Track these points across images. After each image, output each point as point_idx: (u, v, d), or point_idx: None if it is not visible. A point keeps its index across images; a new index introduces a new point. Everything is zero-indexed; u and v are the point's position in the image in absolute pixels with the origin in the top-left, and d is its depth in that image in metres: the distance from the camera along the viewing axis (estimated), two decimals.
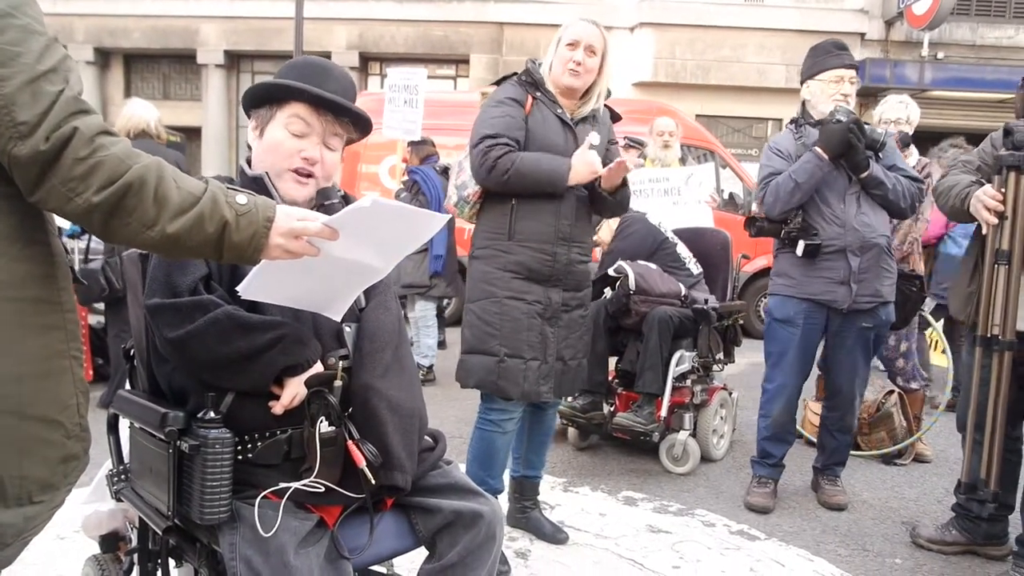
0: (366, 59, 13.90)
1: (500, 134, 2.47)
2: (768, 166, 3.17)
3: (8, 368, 1.05)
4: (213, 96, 14.03)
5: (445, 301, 5.84)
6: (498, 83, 2.69)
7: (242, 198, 1.17)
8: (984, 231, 2.53)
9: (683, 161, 5.57)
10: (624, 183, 2.60)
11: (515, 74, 2.68)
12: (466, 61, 13.60)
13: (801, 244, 3.04)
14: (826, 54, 3.13)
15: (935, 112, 11.61)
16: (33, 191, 1.03)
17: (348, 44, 13.53)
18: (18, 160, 1.00)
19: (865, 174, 3.02)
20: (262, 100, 1.57)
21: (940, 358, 5.84)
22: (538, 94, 2.58)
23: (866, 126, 3.02)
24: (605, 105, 2.70)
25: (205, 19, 13.61)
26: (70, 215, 1.06)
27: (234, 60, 14.20)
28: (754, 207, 3.36)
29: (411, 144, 5.73)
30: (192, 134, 13.51)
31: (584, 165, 2.46)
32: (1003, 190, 2.45)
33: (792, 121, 3.28)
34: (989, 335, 2.48)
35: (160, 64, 14.66)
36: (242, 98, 1.62)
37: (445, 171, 5.34)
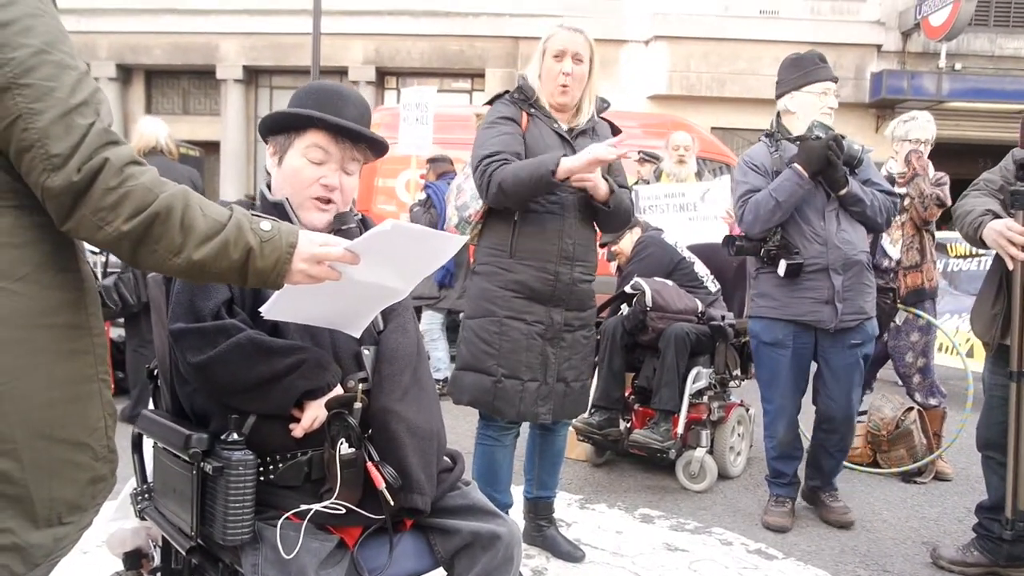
0: (383, 74, 14.04)
1: (499, 151, 2.45)
2: (745, 182, 3.11)
3: (40, 393, 1.08)
4: (232, 111, 14.22)
5: (462, 315, 5.85)
6: (490, 102, 2.67)
7: (266, 224, 1.19)
8: (1011, 266, 2.50)
9: (699, 175, 5.57)
10: (613, 190, 2.53)
11: (506, 92, 2.66)
12: (482, 75, 13.69)
13: (783, 264, 2.99)
14: (813, 66, 3.09)
15: (953, 124, 11.55)
16: (65, 220, 1.06)
17: (365, 59, 13.68)
18: (51, 191, 1.03)
19: (844, 191, 2.99)
20: (280, 127, 1.59)
21: (950, 358, 5.79)
22: (532, 110, 2.56)
23: (844, 141, 2.98)
24: (604, 118, 2.69)
25: (224, 35, 13.82)
26: (100, 243, 1.09)
27: (252, 75, 14.39)
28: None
29: (429, 160, 5.79)
30: (211, 148, 13.69)
31: (585, 152, 2.38)
32: None
33: (767, 135, 3.21)
34: (1022, 370, 2.46)
35: (180, 80, 14.89)
36: (259, 124, 1.65)
37: None
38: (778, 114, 3.19)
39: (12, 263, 1.06)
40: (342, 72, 13.74)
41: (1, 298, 1.04)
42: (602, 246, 4.02)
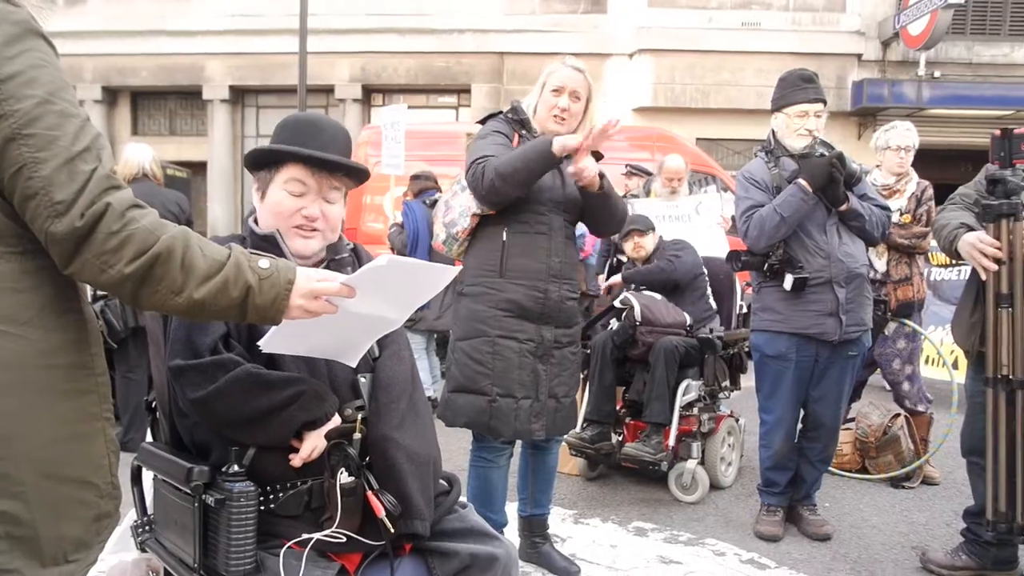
0: (369, 91, 14.08)
1: (492, 154, 2.49)
2: (748, 198, 3.16)
3: (45, 433, 1.11)
4: (219, 131, 14.22)
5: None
6: (483, 121, 2.73)
7: (264, 262, 1.23)
8: (984, 277, 2.57)
9: (689, 187, 5.64)
10: (602, 185, 2.57)
11: (500, 112, 2.72)
12: (468, 91, 13.76)
13: (789, 278, 3.04)
14: (792, 87, 3.12)
15: (934, 130, 11.68)
16: (68, 264, 1.09)
17: (351, 77, 13.72)
18: (55, 236, 1.06)
19: (845, 207, 3.06)
20: (260, 163, 1.63)
21: (937, 371, 5.87)
22: (524, 132, 2.62)
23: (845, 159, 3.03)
24: None
25: (210, 56, 13.84)
26: (103, 285, 1.12)
27: (239, 95, 14.41)
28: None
29: (412, 178, 5.80)
30: (198, 169, 13.69)
31: (583, 136, 2.41)
32: (997, 237, 2.50)
33: (765, 151, 3.24)
34: (999, 376, 2.53)
35: (167, 101, 14.88)
36: (244, 161, 1.69)
37: (434, 204, 5.39)
38: (772, 130, 3.23)
39: (16, 307, 1.08)
40: (328, 91, 13.78)
41: (6, 342, 1.06)
42: (624, 236, 4.09)
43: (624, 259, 4.75)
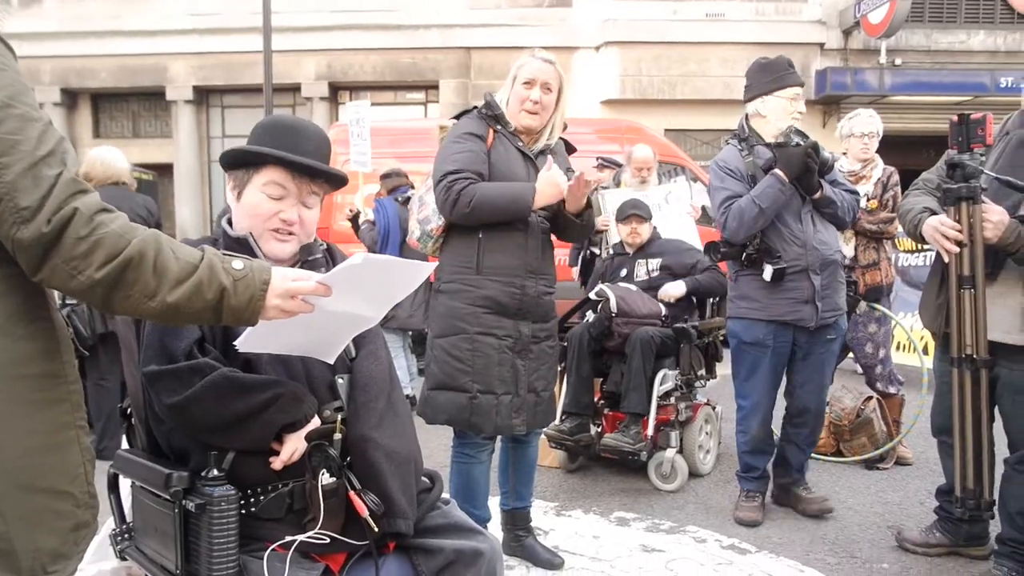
0: (336, 89, 13.96)
1: (462, 169, 2.49)
2: (724, 188, 3.17)
3: (17, 444, 1.08)
4: (184, 133, 14.00)
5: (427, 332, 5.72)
6: (458, 117, 2.71)
7: (238, 263, 1.21)
8: (946, 259, 2.63)
9: (659, 178, 5.67)
10: (588, 204, 2.62)
11: (475, 108, 2.71)
12: (435, 87, 13.70)
13: (768, 268, 3.07)
14: (784, 71, 3.15)
15: (896, 116, 11.91)
16: (36, 271, 1.07)
17: (317, 75, 13.59)
18: (21, 243, 1.04)
19: (819, 195, 3.10)
20: (238, 163, 1.61)
21: (908, 357, 5.99)
22: (499, 127, 2.62)
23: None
24: (562, 137, 2.76)
25: (173, 56, 13.60)
26: (73, 292, 1.10)
27: (203, 95, 14.19)
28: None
29: (382, 176, 5.76)
30: (164, 171, 13.46)
31: (550, 185, 2.48)
32: (958, 220, 2.55)
33: (739, 139, 3.23)
34: (964, 355, 2.58)
35: (129, 102, 14.60)
36: (220, 158, 1.67)
37: (406, 201, 5.38)
38: (747, 116, 3.23)
39: None
40: (295, 89, 13.63)
41: None
42: (624, 219, 4.12)
43: (597, 251, 4.77)
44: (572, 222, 2.61)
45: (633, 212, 4.09)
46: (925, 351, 5.27)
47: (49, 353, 1.15)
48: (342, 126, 8.67)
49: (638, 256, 4.15)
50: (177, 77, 13.74)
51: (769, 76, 3.17)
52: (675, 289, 3.96)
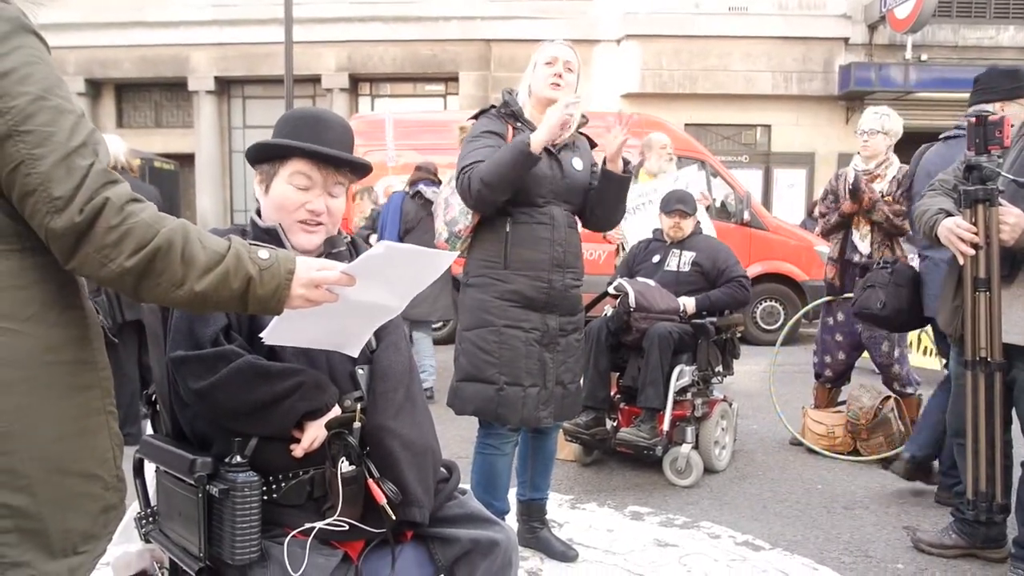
0: (356, 80, 14.01)
1: (479, 161, 2.49)
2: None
3: (51, 429, 1.11)
4: (205, 123, 14.13)
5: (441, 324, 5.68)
6: (475, 117, 2.72)
7: (264, 253, 1.23)
8: (961, 262, 2.61)
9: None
10: (627, 169, 2.62)
11: (492, 107, 2.71)
12: (455, 79, 13.71)
13: None
14: None
15: (921, 113, 11.77)
16: (69, 259, 1.10)
17: (337, 66, 13.65)
18: (55, 232, 1.07)
19: None
20: (264, 157, 1.63)
21: (924, 360, 5.93)
22: (518, 124, 2.62)
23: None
24: (583, 133, 2.76)
25: (195, 47, 13.72)
26: (104, 280, 1.12)
27: (224, 86, 14.30)
28: None
29: (415, 168, 5.73)
30: (186, 161, 13.60)
31: (551, 114, 2.42)
32: (974, 222, 2.53)
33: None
34: (978, 358, 2.57)
35: (152, 93, 14.76)
36: (246, 153, 1.69)
37: (416, 195, 5.40)
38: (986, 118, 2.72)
39: (18, 304, 1.09)
40: (315, 80, 13.70)
41: (9, 338, 1.07)
42: (669, 212, 4.09)
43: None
44: (615, 182, 2.60)
45: (679, 207, 4.07)
46: (926, 353, 5.22)
47: (81, 340, 1.18)
48: (363, 117, 8.71)
49: (674, 246, 4.14)
50: (199, 68, 13.86)
51: (1012, 83, 3.08)
52: (688, 304, 3.95)
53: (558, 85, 2.58)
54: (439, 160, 6.34)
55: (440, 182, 5.59)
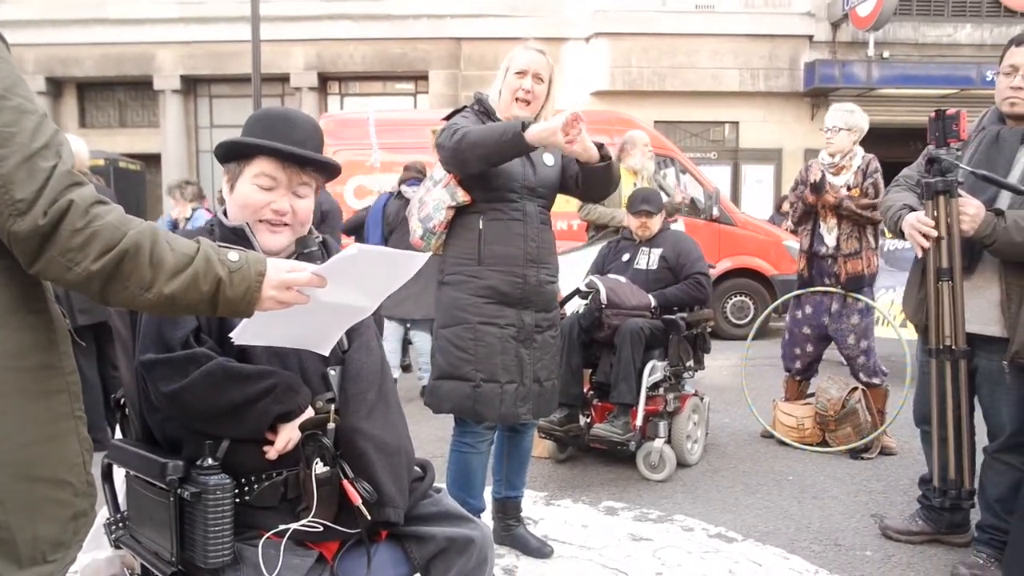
0: (324, 79, 13.90)
1: (471, 130, 2.47)
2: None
3: (17, 435, 1.09)
4: (171, 122, 13.90)
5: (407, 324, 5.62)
6: (448, 117, 2.71)
7: (233, 255, 1.22)
8: (919, 254, 2.68)
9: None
10: (607, 156, 2.54)
11: (465, 107, 2.72)
12: (425, 77, 13.67)
13: None
14: None
15: (884, 109, 12.01)
16: (33, 263, 1.07)
17: (306, 65, 13.52)
18: (17, 235, 1.05)
19: None
20: (230, 156, 1.61)
21: (882, 330, 6.04)
22: (491, 122, 2.62)
23: None
24: None
25: (160, 45, 13.50)
26: (70, 283, 1.10)
27: (191, 85, 14.09)
28: None
29: (404, 168, 5.68)
30: (151, 161, 13.38)
31: (557, 120, 2.38)
32: (935, 214, 2.59)
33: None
34: (942, 346, 2.63)
35: (115, 92, 14.49)
36: (214, 152, 1.67)
37: (399, 194, 5.37)
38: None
39: None
40: (284, 79, 13.57)
41: None
42: (635, 213, 4.09)
43: None
44: (597, 170, 2.54)
45: (643, 207, 4.09)
46: (903, 325, 5.31)
47: (47, 344, 1.16)
48: (332, 116, 8.63)
49: (643, 244, 4.17)
50: (164, 66, 13.64)
51: None
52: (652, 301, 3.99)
53: (526, 102, 2.59)
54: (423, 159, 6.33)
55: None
